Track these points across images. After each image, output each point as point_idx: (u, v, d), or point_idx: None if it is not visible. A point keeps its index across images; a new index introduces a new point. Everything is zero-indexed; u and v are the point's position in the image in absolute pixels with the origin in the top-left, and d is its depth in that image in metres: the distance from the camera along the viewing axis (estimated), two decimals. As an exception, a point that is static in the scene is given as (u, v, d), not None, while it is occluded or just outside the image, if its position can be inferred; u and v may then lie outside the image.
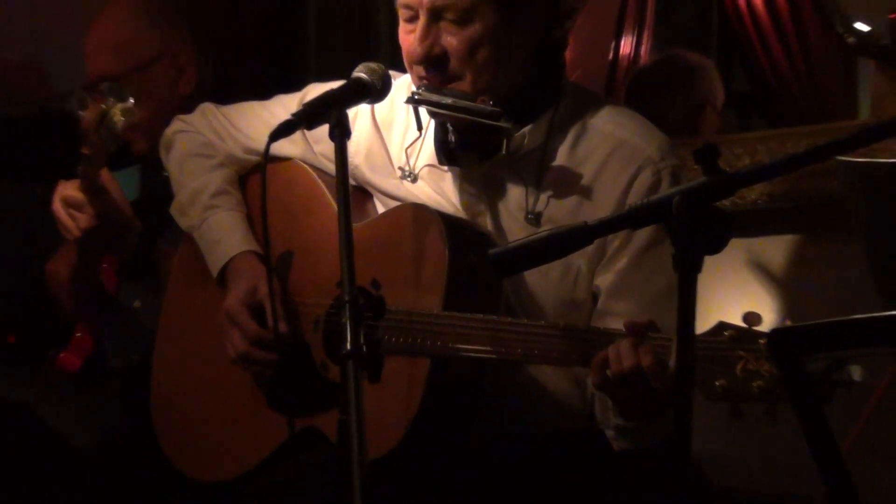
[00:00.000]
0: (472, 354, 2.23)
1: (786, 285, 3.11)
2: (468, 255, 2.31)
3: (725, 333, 1.95)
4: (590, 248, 2.09)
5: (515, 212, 2.39)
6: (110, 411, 3.05)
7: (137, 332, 3.00)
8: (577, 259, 2.31)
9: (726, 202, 1.55)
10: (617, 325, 2.12)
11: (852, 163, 1.72)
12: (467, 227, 2.40)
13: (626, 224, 1.90)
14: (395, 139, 2.52)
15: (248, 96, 2.75)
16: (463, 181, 2.43)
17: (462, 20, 2.28)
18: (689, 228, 1.52)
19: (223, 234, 2.59)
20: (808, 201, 2.97)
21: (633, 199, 2.30)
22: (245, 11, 3.91)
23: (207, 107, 2.75)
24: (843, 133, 1.61)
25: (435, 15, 2.28)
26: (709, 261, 1.52)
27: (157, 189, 2.91)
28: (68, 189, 2.87)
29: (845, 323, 1.54)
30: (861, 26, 2.88)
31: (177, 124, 2.77)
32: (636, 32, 4.24)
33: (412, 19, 2.32)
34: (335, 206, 2.25)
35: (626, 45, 4.22)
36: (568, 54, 2.51)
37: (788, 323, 1.61)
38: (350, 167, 2.26)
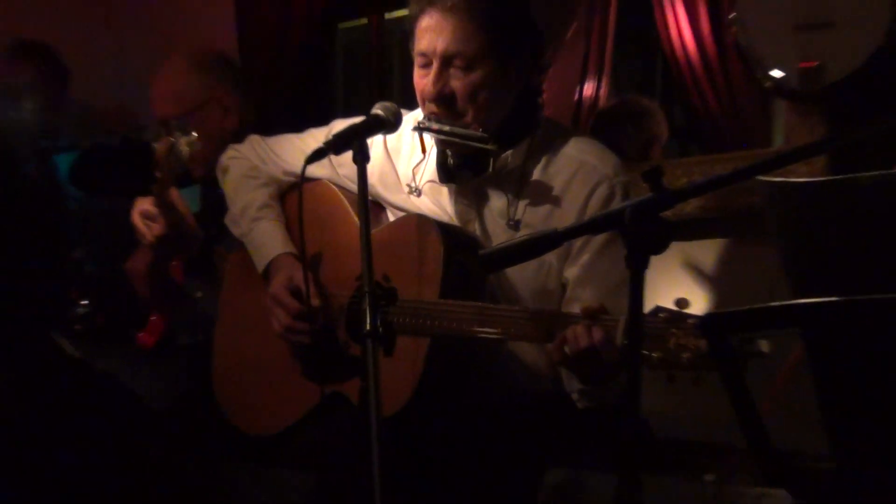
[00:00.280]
0: (463, 333, 2.23)
1: (714, 279, 3.10)
2: (460, 254, 2.31)
3: (661, 315, 1.94)
4: (559, 248, 2.06)
5: (499, 219, 2.39)
6: (179, 379, 3.03)
7: (200, 316, 2.99)
8: (549, 256, 2.30)
9: (668, 213, 1.53)
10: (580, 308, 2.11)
11: (769, 182, 1.71)
12: (459, 232, 2.40)
13: (588, 231, 1.89)
14: (403, 162, 2.51)
15: (286, 129, 2.74)
16: (457, 195, 2.43)
17: (467, 68, 2.28)
18: (638, 234, 1.51)
19: (267, 239, 2.58)
20: (733, 213, 2.96)
21: (593, 207, 2.31)
22: (284, 62, 3.90)
23: (254, 138, 2.75)
24: (761, 158, 1.60)
25: (446, 62, 2.29)
26: (653, 259, 1.51)
27: (214, 203, 2.89)
28: (144, 204, 2.86)
29: (763, 309, 1.53)
30: (775, 73, 2.86)
31: (230, 152, 2.76)
32: (597, 79, 4.22)
33: (426, 65, 2.32)
34: (356, 216, 2.24)
35: (588, 89, 4.20)
36: (543, 96, 2.53)
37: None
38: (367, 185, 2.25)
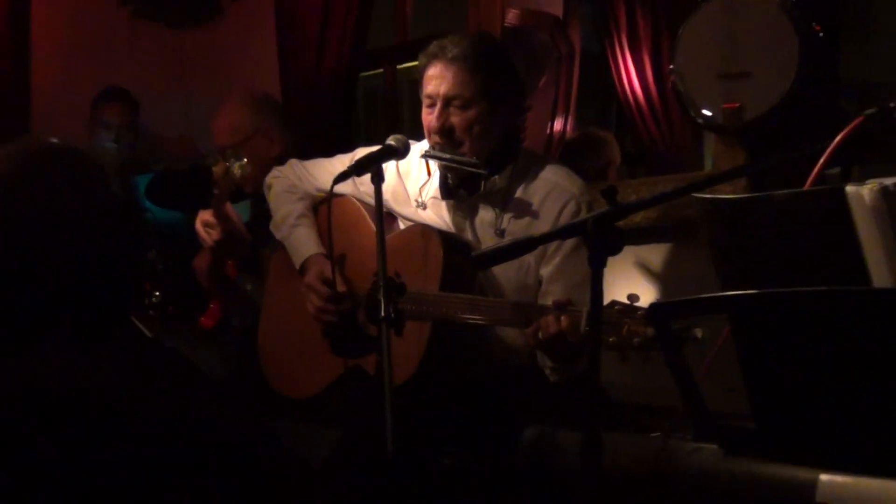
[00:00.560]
0: (458, 319, 2.23)
1: (660, 277, 3.08)
2: (456, 256, 2.31)
3: (616, 307, 1.94)
4: (536, 251, 2.10)
5: (488, 228, 2.38)
6: (232, 354, 3.02)
7: (249, 304, 2.99)
8: (528, 258, 2.30)
9: (621, 223, 1.52)
10: (551, 300, 2.12)
11: (702, 198, 1.70)
12: (456, 238, 2.40)
13: (559, 237, 1.89)
14: (412, 182, 2.51)
15: (319, 154, 2.74)
16: (455, 209, 2.42)
17: (464, 107, 2.30)
18: (599, 239, 1.50)
19: (302, 242, 2.57)
20: (674, 222, 2.94)
21: (564, 219, 2.31)
22: (317, 102, 3.90)
23: (293, 161, 2.74)
24: (695, 179, 1.59)
25: (447, 103, 2.31)
26: (610, 260, 1.49)
27: (261, 215, 2.89)
28: (205, 215, 2.85)
29: (698, 300, 1.53)
30: (706, 112, 2.85)
31: (274, 172, 2.75)
32: (564, 117, 4.21)
33: (432, 105, 2.34)
34: (373, 225, 2.24)
35: (557, 125, 4.18)
36: (525, 132, 2.55)
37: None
38: (382, 200, 2.26)
